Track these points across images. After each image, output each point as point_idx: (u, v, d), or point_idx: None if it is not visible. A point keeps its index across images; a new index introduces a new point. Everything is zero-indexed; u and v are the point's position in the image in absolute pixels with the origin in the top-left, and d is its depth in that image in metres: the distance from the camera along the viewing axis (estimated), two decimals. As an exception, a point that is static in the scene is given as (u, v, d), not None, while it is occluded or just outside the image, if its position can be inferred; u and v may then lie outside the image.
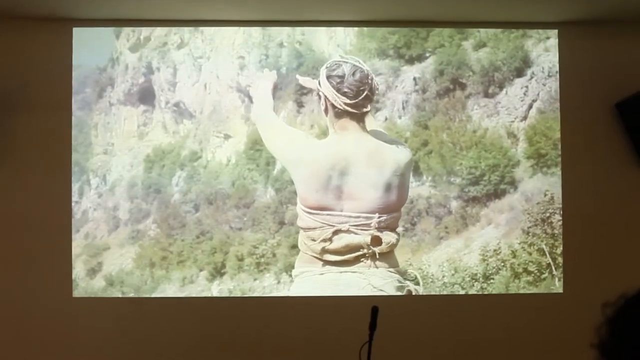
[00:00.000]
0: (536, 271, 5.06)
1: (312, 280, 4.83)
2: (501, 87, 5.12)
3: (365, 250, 4.75)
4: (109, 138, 5.13)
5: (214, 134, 5.13)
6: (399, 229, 4.90)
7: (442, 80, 5.12)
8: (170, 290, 5.03)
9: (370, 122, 4.87)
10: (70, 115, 5.02)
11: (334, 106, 4.69)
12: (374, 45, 5.12)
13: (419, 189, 5.07)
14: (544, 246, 5.06)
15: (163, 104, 5.16)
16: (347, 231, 4.75)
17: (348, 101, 4.67)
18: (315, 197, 4.75)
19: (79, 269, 5.03)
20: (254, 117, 5.06)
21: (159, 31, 5.15)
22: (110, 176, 5.12)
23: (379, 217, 4.75)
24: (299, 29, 5.12)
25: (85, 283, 5.03)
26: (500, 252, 5.06)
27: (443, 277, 5.04)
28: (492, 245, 5.06)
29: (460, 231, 5.07)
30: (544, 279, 5.06)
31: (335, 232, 4.74)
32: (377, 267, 4.77)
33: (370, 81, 4.71)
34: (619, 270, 4.87)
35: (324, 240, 4.74)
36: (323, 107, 4.77)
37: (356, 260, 4.77)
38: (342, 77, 4.67)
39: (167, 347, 4.93)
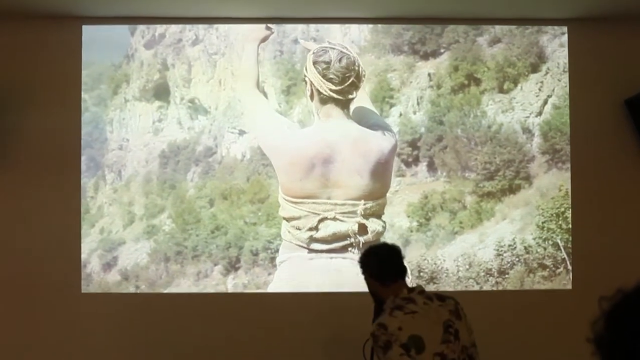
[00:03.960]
0: (551, 266, 5.04)
1: (300, 264, 4.77)
2: (516, 83, 5.12)
3: (352, 240, 4.71)
4: (124, 134, 5.15)
5: (228, 130, 5.14)
6: (384, 217, 4.85)
7: (457, 76, 5.12)
8: (185, 284, 5.04)
9: (361, 98, 4.76)
10: (80, 112, 5.04)
11: (319, 92, 4.66)
12: (388, 41, 5.12)
13: (434, 184, 5.07)
14: (558, 241, 5.05)
15: (178, 100, 5.18)
16: (334, 219, 4.71)
17: (334, 87, 4.62)
18: (300, 186, 4.71)
19: (94, 264, 5.05)
20: (239, 91, 4.98)
21: (174, 28, 5.17)
22: (125, 171, 5.14)
23: (365, 204, 4.71)
24: (313, 25, 5.13)
25: (100, 277, 5.05)
26: (515, 247, 5.05)
27: (458, 271, 5.03)
28: (507, 240, 5.06)
29: (475, 226, 5.07)
30: (559, 273, 5.04)
31: (321, 220, 4.70)
32: None
33: (357, 68, 4.66)
34: (628, 266, 4.84)
35: (310, 229, 4.69)
36: (309, 93, 4.73)
37: (343, 249, 4.73)
38: (328, 63, 4.63)
39: (172, 344, 4.93)
